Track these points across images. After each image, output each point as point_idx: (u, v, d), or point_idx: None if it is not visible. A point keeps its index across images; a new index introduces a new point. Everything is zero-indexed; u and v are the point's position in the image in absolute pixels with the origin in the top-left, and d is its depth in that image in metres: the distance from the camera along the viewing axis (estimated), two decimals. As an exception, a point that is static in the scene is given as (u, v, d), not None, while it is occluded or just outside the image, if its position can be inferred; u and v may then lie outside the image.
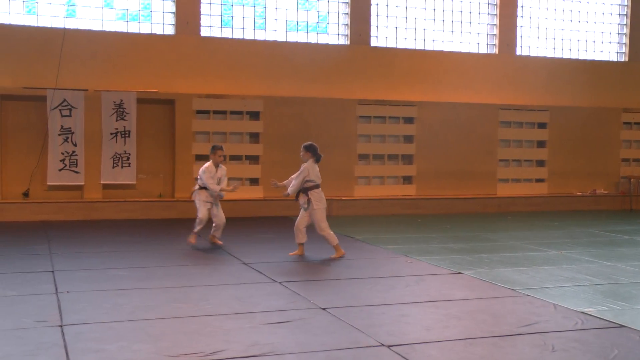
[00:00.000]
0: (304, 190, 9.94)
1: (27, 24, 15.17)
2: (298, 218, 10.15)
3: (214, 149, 10.91)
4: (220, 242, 11.13)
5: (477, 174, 18.14)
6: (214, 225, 11.14)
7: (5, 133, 14.89)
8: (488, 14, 18.64)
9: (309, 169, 9.88)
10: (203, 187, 10.93)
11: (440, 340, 5.83)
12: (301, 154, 10.07)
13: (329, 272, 8.95)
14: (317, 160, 10.01)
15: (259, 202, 16.05)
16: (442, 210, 17.09)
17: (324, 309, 6.82)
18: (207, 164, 10.87)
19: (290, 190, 9.99)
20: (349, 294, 7.74)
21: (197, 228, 10.99)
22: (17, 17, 15.14)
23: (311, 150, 10.01)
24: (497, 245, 11.55)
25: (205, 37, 16.28)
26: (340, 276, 8.72)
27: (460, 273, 8.89)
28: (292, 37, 17.10)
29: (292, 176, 10.09)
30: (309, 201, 9.93)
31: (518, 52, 18.91)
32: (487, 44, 18.72)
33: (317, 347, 5.58)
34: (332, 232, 10.04)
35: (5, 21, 15.02)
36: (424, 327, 6.25)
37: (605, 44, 19.93)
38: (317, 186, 9.98)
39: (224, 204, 15.58)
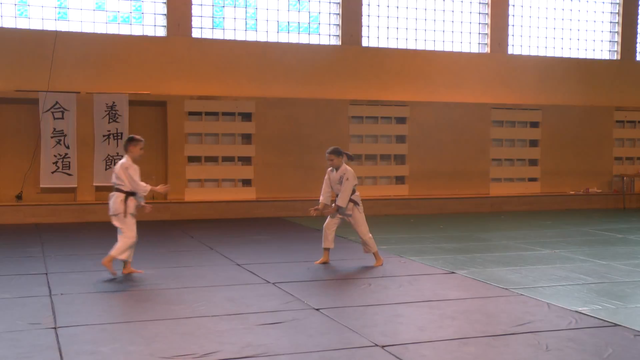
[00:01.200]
0: None
1: (19, 26, 15.13)
2: (328, 220, 9.46)
3: (136, 140, 8.72)
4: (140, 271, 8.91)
5: (470, 174, 18.18)
6: (129, 248, 8.74)
7: (-3, 136, 14.87)
8: (479, 13, 18.68)
9: (354, 173, 9.35)
10: (130, 193, 8.59)
11: (433, 340, 5.83)
12: (331, 160, 9.32)
13: (323, 273, 8.94)
14: (350, 158, 9.47)
15: (252, 203, 16.04)
16: (435, 210, 17.12)
17: (317, 309, 6.82)
18: (126, 160, 8.56)
19: (343, 202, 9.21)
20: (342, 294, 7.75)
21: (127, 254, 8.66)
22: (9, 20, 15.12)
23: (341, 153, 9.38)
24: (490, 245, 11.57)
25: (196, 39, 16.27)
26: (333, 277, 8.72)
27: (453, 273, 8.90)
28: (283, 38, 17.10)
29: (322, 191, 9.38)
30: (353, 207, 9.34)
31: (510, 51, 18.96)
32: (479, 44, 18.76)
33: (311, 347, 5.58)
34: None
35: (-3, 24, 15.00)
36: (417, 327, 6.26)
37: (597, 42, 20.00)
38: (355, 189, 9.39)
39: (219, 205, 15.65)
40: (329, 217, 9.53)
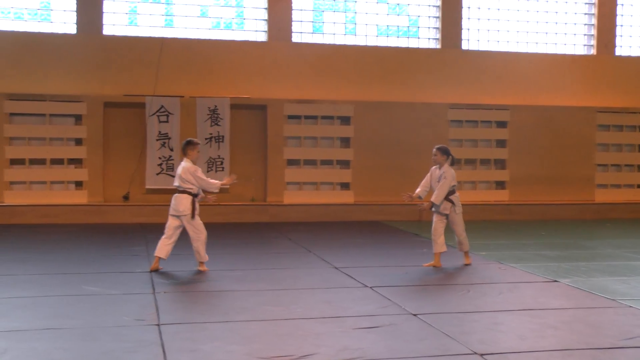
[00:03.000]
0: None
1: (128, 34, 15.75)
2: (434, 224, 9.57)
3: (194, 144, 9.03)
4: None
5: (574, 179, 17.62)
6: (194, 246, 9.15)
7: (107, 138, 15.47)
8: (585, 13, 18.11)
9: (454, 174, 9.53)
10: (194, 194, 8.95)
11: (535, 350, 5.67)
12: (434, 157, 9.54)
13: (420, 278, 8.87)
14: (452, 162, 9.63)
15: (350, 206, 16.08)
16: (536, 216, 16.68)
17: (415, 314, 6.77)
18: (188, 164, 8.89)
19: (437, 199, 9.36)
20: (440, 300, 7.66)
21: (165, 252, 9.03)
22: (121, 28, 15.76)
23: (447, 152, 9.55)
24: (595, 253, 11.17)
25: (296, 43, 16.47)
26: (431, 282, 8.64)
27: (556, 281, 8.64)
28: (382, 42, 17.08)
29: (422, 183, 9.65)
30: (451, 207, 9.48)
31: (617, 53, 18.26)
32: (585, 45, 18.17)
33: (408, 353, 5.54)
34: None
35: (110, 32, 15.64)
36: (518, 336, 6.11)
37: None
38: (455, 190, 9.57)
39: (317, 208, 15.76)
40: (433, 221, 9.63)
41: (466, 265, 9.66)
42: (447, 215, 9.55)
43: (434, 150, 9.62)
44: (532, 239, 12.85)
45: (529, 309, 7.12)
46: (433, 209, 9.60)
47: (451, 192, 9.48)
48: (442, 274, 9.19)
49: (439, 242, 9.54)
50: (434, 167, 9.65)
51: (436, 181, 9.51)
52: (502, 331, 6.25)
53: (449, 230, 9.74)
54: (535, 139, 17.37)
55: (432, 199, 9.46)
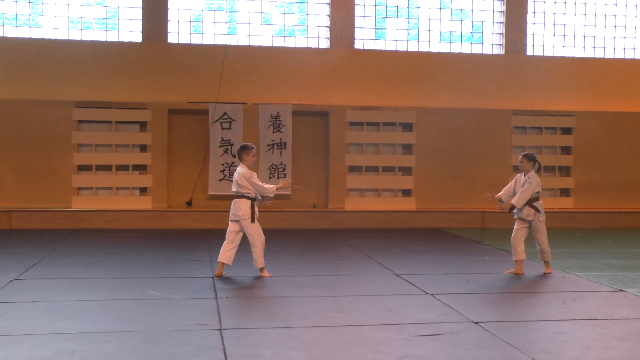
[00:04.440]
0: (528, 201, 9.44)
1: (192, 42, 16.04)
2: (514, 232, 9.60)
3: (249, 148, 9.13)
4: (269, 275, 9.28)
5: (642, 187, 17.16)
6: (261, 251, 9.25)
7: (171, 145, 15.76)
8: (655, 17, 17.64)
9: (539, 181, 9.54)
10: (252, 198, 9.06)
11: (600, 361, 5.56)
12: (521, 164, 9.57)
13: (482, 286, 8.77)
14: (539, 169, 9.66)
15: (412, 213, 15.98)
16: (602, 224, 16.27)
17: (476, 322, 6.70)
18: (244, 169, 9.01)
19: (518, 203, 9.36)
20: (502, 308, 7.57)
21: (227, 257, 9.15)
22: (185, 36, 16.06)
23: (534, 159, 9.57)
24: (664, 263, 10.85)
25: (358, 50, 16.50)
26: (493, 290, 8.54)
27: (622, 291, 8.43)
28: (445, 48, 16.96)
29: (505, 187, 9.73)
30: (534, 213, 9.46)
31: (689, 57, 17.74)
32: (654, 49, 17.71)
33: (469, 362, 5.49)
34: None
35: (174, 40, 15.95)
36: (582, 346, 5.99)
37: None
38: (539, 197, 9.54)
39: (379, 215, 15.74)
40: (514, 228, 9.62)
41: (546, 274, 9.55)
42: (529, 223, 9.50)
43: (520, 157, 9.65)
44: (597, 248, 12.56)
45: (594, 318, 6.97)
46: (514, 213, 9.58)
47: (535, 198, 9.45)
48: (504, 282, 9.07)
49: (519, 250, 9.52)
50: (519, 174, 9.68)
51: (520, 187, 9.51)
52: (566, 341, 6.14)
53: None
54: (602, 145, 16.98)
55: (513, 201, 9.44)
